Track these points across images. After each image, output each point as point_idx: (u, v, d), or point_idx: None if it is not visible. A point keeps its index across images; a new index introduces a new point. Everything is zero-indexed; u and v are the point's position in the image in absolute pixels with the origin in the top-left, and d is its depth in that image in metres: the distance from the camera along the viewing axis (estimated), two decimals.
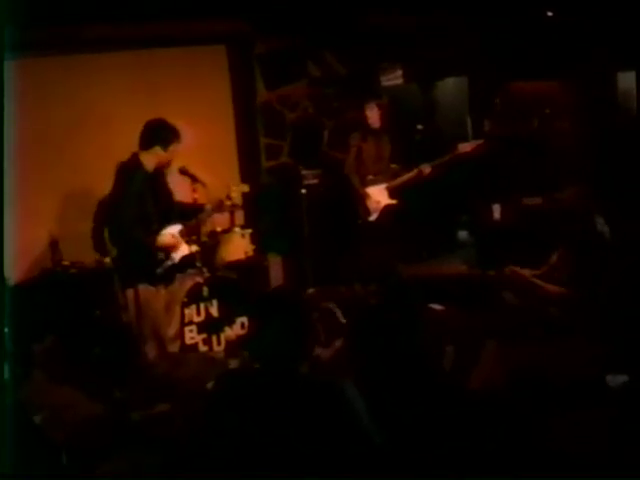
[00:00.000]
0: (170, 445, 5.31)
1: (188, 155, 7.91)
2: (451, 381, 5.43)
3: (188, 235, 6.95)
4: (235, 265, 7.94)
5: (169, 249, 6.81)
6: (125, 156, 7.71)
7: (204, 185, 7.32)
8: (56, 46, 8.23)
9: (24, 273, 8.03)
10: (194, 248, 7.02)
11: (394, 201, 8.63)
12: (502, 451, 4.56)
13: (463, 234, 9.37)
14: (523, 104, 9.77)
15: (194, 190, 7.27)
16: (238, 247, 7.94)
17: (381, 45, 9.46)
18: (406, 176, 8.55)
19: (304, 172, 9.25)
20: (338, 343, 6.08)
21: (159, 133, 6.76)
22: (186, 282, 7.50)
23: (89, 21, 7.88)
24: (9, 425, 4.18)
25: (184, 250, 6.93)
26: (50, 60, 8.32)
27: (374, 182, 8.67)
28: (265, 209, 9.13)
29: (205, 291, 7.34)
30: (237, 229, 8.05)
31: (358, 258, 8.24)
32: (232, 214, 8.33)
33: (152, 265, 6.76)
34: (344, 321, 6.61)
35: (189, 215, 7.13)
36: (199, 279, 7.41)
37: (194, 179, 7.28)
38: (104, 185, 7.90)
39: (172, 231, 6.80)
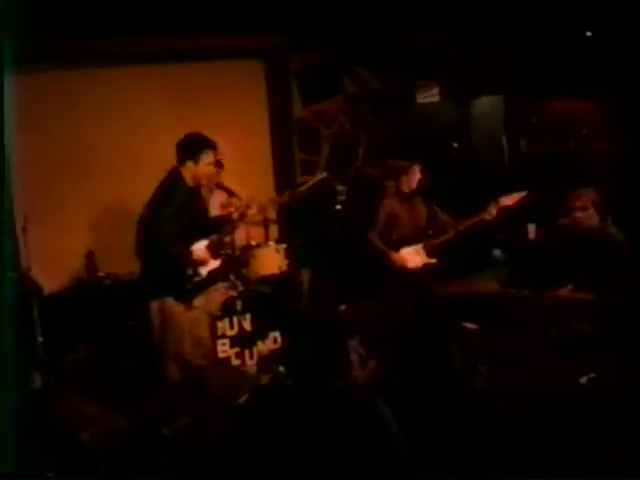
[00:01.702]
0: (200, 460, 5.32)
1: (224, 169, 7.97)
2: (483, 399, 5.42)
3: (214, 249, 6.92)
4: (269, 279, 7.93)
5: (199, 264, 6.80)
6: (162, 169, 7.77)
7: (240, 199, 7.35)
8: (99, 59, 8.34)
9: (59, 283, 8.10)
10: (218, 263, 6.98)
11: (434, 260, 8.12)
12: (531, 469, 4.55)
13: (497, 252, 9.33)
14: (560, 123, 9.72)
15: (230, 204, 7.30)
16: (272, 261, 7.93)
17: (417, 62, 9.46)
18: (465, 225, 8.06)
19: (339, 188, 9.25)
20: (372, 363, 6.06)
21: (187, 148, 6.76)
22: (219, 295, 7.51)
23: (130, 35, 7.94)
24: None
25: (212, 265, 6.91)
26: (91, 72, 8.42)
27: (408, 244, 8.16)
28: (300, 224, 9.13)
29: (239, 305, 7.35)
30: (271, 243, 8.05)
31: (392, 275, 8.14)
32: (266, 228, 8.36)
33: (182, 281, 6.75)
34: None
35: (219, 230, 7.12)
36: (233, 292, 7.42)
37: (230, 193, 7.31)
38: (140, 197, 7.97)
39: (201, 246, 6.79)
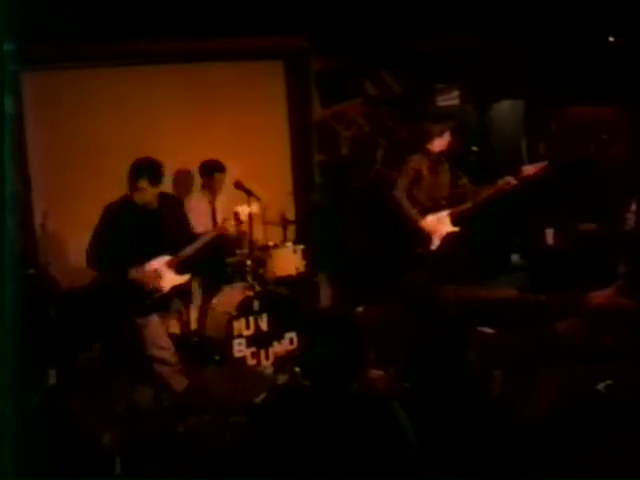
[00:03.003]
0: (215, 458, 5.32)
1: (243, 169, 7.99)
2: (499, 405, 5.40)
3: (179, 265, 6.87)
4: (285, 280, 7.94)
5: (151, 281, 6.73)
6: (178, 166, 7.78)
7: (259, 199, 7.36)
8: (118, 58, 8.38)
9: (77, 280, 8.11)
10: (184, 278, 6.91)
11: (457, 228, 8.07)
12: (547, 475, 4.53)
13: (515, 257, 9.30)
14: (579, 129, 9.68)
15: (249, 204, 7.30)
16: (289, 262, 7.95)
17: (438, 65, 9.45)
18: (486, 194, 7.99)
19: (356, 189, 9.26)
20: (388, 366, 6.05)
21: (143, 170, 6.66)
22: (236, 295, 7.52)
23: (150, 35, 7.96)
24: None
25: (173, 280, 6.85)
26: (110, 71, 8.45)
27: (432, 209, 8.14)
28: (318, 226, 9.13)
29: (255, 305, 7.36)
30: (289, 244, 8.07)
31: (409, 279, 8.12)
32: (285, 229, 8.37)
33: (140, 296, 6.72)
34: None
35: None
36: (249, 292, 7.43)
37: (249, 193, 7.32)
38: None
39: (157, 263, 6.74)
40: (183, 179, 8.42)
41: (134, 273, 6.56)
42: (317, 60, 9.45)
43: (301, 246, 8.07)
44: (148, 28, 7.76)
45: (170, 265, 6.71)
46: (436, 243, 7.98)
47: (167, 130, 8.54)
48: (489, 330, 6.90)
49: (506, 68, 9.49)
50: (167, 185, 7.19)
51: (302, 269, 8.03)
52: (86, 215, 8.23)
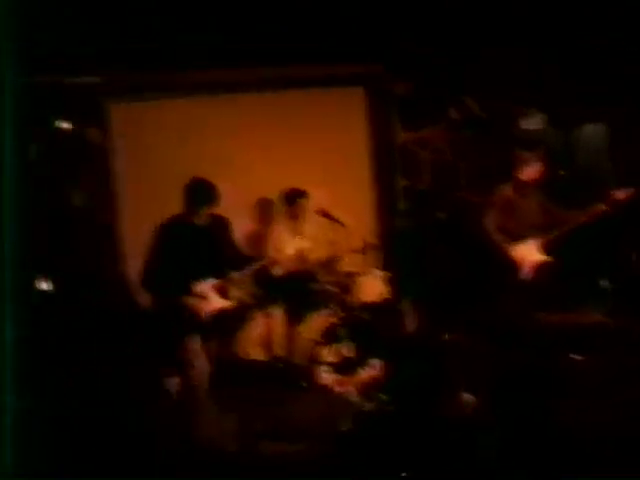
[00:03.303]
0: None
1: (326, 196, 8.02)
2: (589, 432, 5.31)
3: (224, 289, 6.85)
4: (370, 307, 7.93)
5: (197, 303, 6.71)
6: (257, 194, 7.84)
7: (343, 226, 7.37)
8: (200, 88, 8.51)
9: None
10: (228, 303, 6.82)
11: (547, 257, 7.84)
12: None
13: (604, 282, 9.12)
14: None
15: (334, 231, 7.32)
16: (374, 289, 7.95)
17: (522, 88, 9.36)
18: (576, 221, 7.76)
19: (440, 215, 9.21)
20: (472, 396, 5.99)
21: (198, 194, 6.69)
22: (321, 322, 7.54)
23: (230, 64, 8.07)
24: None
25: (219, 304, 6.82)
26: (193, 101, 8.59)
27: (522, 237, 7.90)
28: (402, 252, 9.10)
29: (341, 331, 7.36)
30: (375, 270, 8.07)
31: (498, 306, 7.97)
32: (368, 255, 8.37)
33: (183, 318, 6.70)
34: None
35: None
36: (334, 319, 7.44)
37: (333, 220, 7.34)
38: (241, 223, 8.02)
39: (205, 285, 6.72)
40: (265, 207, 8.50)
41: (196, 292, 6.60)
42: (399, 86, 9.45)
43: (386, 272, 8.05)
44: (230, 57, 7.87)
45: (216, 289, 6.70)
46: (526, 272, 7.83)
47: (249, 158, 8.62)
48: (578, 357, 6.80)
49: (589, 88, 9.37)
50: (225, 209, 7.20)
51: (386, 295, 8.01)
52: None
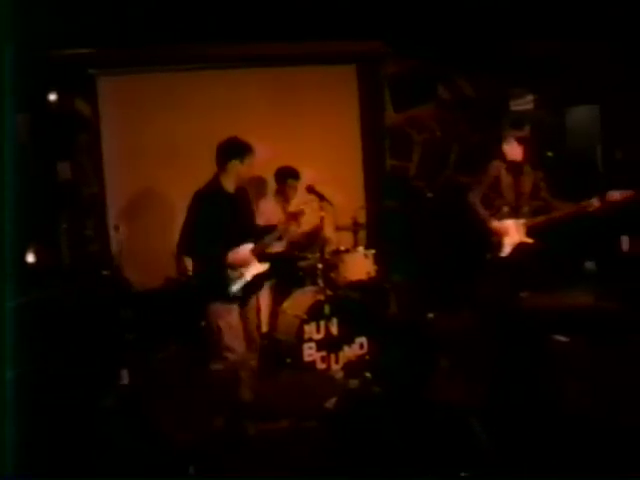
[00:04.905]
0: (284, 462, 5.33)
1: (316, 174, 8.00)
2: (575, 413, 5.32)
3: (261, 253, 6.83)
4: (356, 285, 7.93)
5: (242, 266, 6.72)
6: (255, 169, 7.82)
7: (331, 204, 7.35)
8: (193, 62, 8.48)
9: (150, 282, 8.21)
10: (264, 267, 6.91)
11: (531, 240, 7.89)
12: None
13: (590, 264, 9.16)
14: None
15: (321, 208, 7.30)
16: (361, 267, 7.93)
17: (513, 70, 9.35)
18: (567, 211, 7.78)
19: (429, 195, 9.20)
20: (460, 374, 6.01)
21: (232, 149, 6.72)
22: (307, 299, 7.53)
23: (226, 39, 8.03)
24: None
25: (258, 268, 6.82)
26: (187, 75, 8.56)
27: (509, 216, 7.98)
28: (390, 231, 9.10)
29: (326, 309, 7.36)
30: (360, 249, 8.06)
31: (482, 287, 8.01)
32: (356, 234, 8.37)
33: (225, 284, 6.70)
34: None
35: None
36: (320, 296, 7.43)
37: (321, 198, 7.31)
38: None
39: (245, 249, 6.71)
40: (257, 184, 8.47)
41: (231, 258, 6.59)
42: (390, 64, 9.43)
43: (372, 251, 8.05)
44: (220, 32, 7.82)
45: (254, 252, 6.70)
46: (507, 250, 7.87)
47: (247, 133, 8.58)
48: (563, 338, 6.82)
49: (582, 72, 9.36)
50: None
51: (373, 274, 8.01)
52: (160, 217, 8.37)
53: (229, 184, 6.54)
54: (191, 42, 8.10)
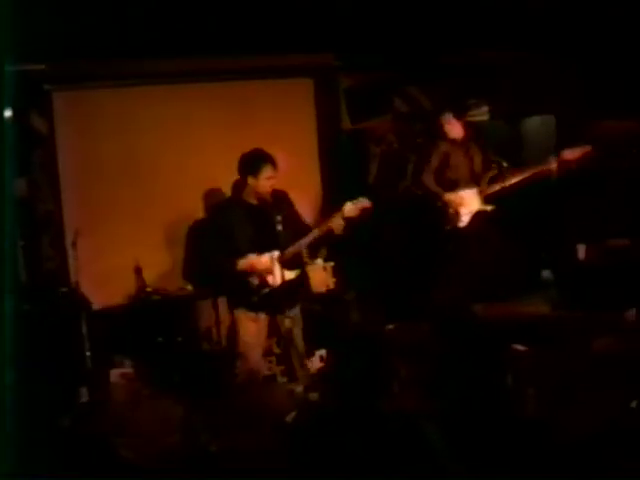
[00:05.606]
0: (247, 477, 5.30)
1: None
2: (532, 423, 5.35)
3: (286, 261, 6.83)
4: (317, 298, 7.93)
5: (262, 273, 6.72)
6: (211, 185, 7.80)
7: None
8: (149, 77, 8.44)
9: (108, 299, 8.15)
10: (294, 274, 6.91)
11: (487, 207, 8.09)
12: None
13: (546, 273, 9.22)
14: (612, 143, 9.58)
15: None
16: (320, 280, 7.95)
17: (468, 80, 9.41)
18: (516, 177, 8.00)
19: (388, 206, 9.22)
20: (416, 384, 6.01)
21: (246, 164, 6.78)
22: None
23: (182, 54, 8.02)
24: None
25: (284, 276, 6.82)
26: (145, 90, 8.53)
27: (463, 188, 8.19)
28: (349, 243, 9.10)
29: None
30: (319, 261, 8.06)
31: (436, 295, 8.05)
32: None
33: (247, 292, 6.72)
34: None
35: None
36: None
37: None
38: (190, 214, 8.02)
39: (266, 257, 6.72)
40: (214, 197, 8.45)
41: (243, 265, 6.60)
42: (346, 77, 9.45)
43: (331, 263, 8.06)
44: (176, 46, 7.82)
45: (280, 260, 6.70)
46: (464, 220, 7.94)
47: (205, 148, 8.58)
48: (522, 347, 6.86)
49: (537, 82, 9.44)
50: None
51: (332, 286, 8.02)
52: (118, 233, 8.32)
53: (250, 194, 6.58)
54: (146, 57, 8.08)
